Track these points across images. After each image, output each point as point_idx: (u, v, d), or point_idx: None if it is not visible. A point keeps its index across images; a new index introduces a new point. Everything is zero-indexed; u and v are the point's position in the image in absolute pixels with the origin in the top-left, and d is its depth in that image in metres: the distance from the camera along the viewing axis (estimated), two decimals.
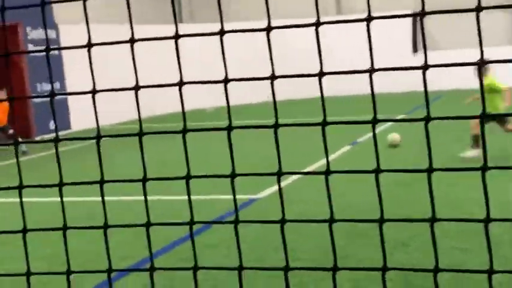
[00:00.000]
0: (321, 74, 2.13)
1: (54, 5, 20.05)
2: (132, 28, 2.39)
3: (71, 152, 15.67)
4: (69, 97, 21.21)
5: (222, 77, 25.40)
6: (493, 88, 10.88)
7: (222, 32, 2.31)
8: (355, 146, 13.47)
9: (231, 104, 23.99)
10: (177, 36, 2.39)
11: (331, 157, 12.30)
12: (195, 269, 2.15)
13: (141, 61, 22.44)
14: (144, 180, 2.39)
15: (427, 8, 26.65)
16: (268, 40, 2.28)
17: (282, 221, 2.09)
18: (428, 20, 26.74)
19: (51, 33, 20.96)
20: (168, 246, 7.21)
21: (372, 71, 2.02)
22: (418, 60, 26.43)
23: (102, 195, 2.49)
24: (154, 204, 9.18)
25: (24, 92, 19.82)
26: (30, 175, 12.59)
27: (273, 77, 2.24)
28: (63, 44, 20.81)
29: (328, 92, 26.16)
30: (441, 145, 12.46)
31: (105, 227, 2.53)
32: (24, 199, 9.79)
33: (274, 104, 2.23)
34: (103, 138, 14.10)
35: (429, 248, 6.55)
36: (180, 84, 2.38)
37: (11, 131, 16.48)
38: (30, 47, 20.14)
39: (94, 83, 2.55)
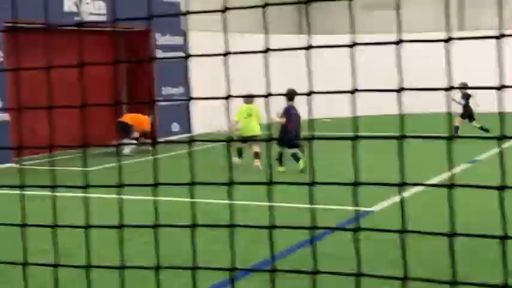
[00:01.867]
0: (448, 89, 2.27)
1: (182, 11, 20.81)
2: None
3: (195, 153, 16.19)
4: (191, 101, 21.92)
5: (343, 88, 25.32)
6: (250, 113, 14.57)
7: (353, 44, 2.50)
8: (474, 164, 13.27)
9: (358, 114, 23.96)
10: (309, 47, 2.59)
11: (446, 174, 12.17)
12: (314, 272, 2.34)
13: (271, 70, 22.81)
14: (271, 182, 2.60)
15: None
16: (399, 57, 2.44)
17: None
18: None
19: (179, 40, 21.75)
20: (283, 253, 7.42)
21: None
22: None
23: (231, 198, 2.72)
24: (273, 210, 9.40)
25: (151, 95, 20.65)
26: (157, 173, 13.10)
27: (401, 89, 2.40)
28: (190, 51, 21.52)
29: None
30: None
31: (231, 226, 2.77)
32: (149, 197, 10.25)
33: (401, 120, 2.38)
34: (223, 142, 14.31)
35: None
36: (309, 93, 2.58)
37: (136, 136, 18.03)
38: (159, 53, 20.97)
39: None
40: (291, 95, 13.06)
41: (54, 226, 3.01)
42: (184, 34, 22.11)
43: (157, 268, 2.91)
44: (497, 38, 2.34)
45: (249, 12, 24.06)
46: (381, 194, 10.23)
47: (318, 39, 26.49)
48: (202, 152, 17.13)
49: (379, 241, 7.76)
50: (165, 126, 20.86)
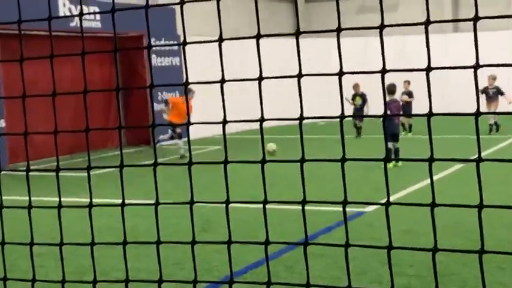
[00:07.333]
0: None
1: (176, 17, 20.87)
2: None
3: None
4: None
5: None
6: None
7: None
8: (468, 166, 13.37)
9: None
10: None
11: (439, 176, 12.27)
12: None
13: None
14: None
15: None
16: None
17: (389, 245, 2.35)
18: None
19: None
20: (275, 254, 7.49)
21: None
22: None
23: (227, 204, 2.83)
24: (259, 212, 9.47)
25: (145, 100, 20.71)
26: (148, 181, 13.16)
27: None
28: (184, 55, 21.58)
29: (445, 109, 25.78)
30: None
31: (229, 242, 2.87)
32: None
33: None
34: (218, 147, 14.43)
35: None
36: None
37: (179, 130, 18.06)
38: (154, 58, 21.03)
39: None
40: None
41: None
42: (178, 38, 22.17)
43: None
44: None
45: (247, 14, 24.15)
46: (376, 196, 10.34)
47: (318, 42, 26.50)
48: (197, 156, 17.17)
49: (368, 241, 7.85)
50: (160, 130, 20.88)
